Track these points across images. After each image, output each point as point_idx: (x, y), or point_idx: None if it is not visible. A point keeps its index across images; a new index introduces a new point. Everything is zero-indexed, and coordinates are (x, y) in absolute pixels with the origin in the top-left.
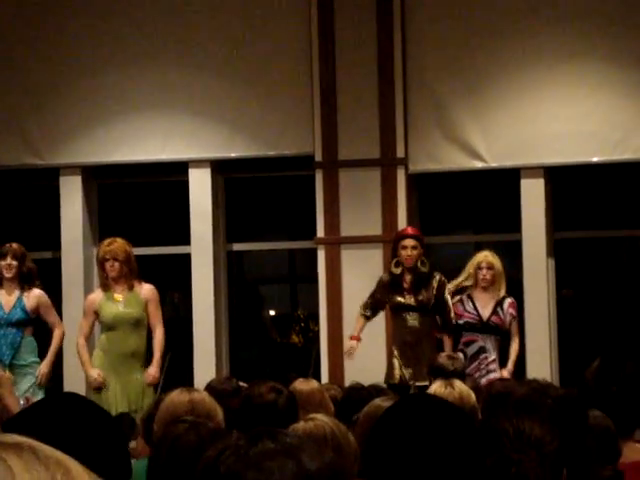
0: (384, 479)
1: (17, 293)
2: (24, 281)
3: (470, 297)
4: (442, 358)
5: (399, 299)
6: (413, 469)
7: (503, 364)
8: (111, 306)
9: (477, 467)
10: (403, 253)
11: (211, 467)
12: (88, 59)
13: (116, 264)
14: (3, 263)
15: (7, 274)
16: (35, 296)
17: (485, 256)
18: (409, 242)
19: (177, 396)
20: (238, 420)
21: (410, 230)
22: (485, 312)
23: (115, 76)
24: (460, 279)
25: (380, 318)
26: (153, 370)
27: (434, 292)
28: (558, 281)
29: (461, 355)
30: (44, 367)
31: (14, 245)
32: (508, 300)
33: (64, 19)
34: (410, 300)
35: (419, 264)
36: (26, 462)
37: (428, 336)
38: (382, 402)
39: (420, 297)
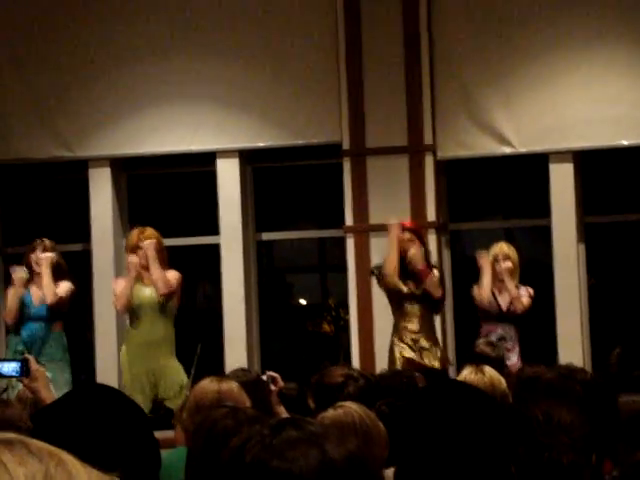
0: (416, 465)
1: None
2: (54, 275)
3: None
4: (483, 345)
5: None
6: (444, 457)
7: (524, 355)
8: (142, 289)
9: (510, 454)
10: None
11: (236, 456)
12: (115, 51)
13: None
14: (33, 257)
15: (37, 268)
16: (61, 290)
17: (501, 247)
18: (405, 235)
19: (206, 385)
20: None
21: (406, 223)
22: (504, 302)
23: (142, 68)
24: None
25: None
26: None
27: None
28: (588, 266)
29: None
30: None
31: (45, 240)
32: (522, 289)
33: (92, 12)
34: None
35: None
36: (19, 456)
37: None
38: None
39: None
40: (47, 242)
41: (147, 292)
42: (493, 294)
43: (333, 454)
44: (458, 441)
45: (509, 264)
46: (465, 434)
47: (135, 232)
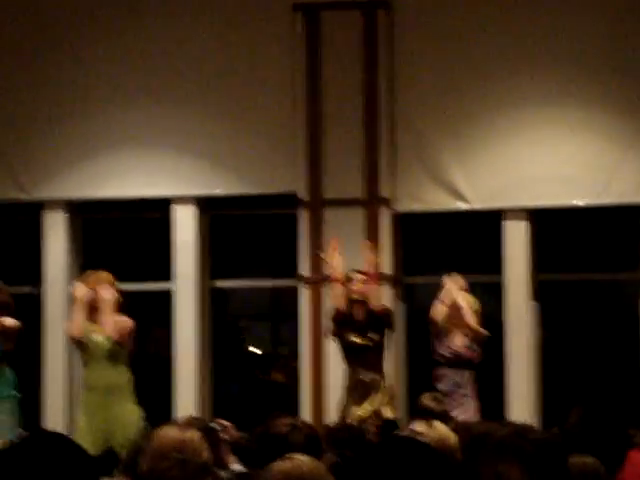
0: None
1: None
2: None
3: (442, 333)
4: (427, 399)
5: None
6: None
7: (478, 401)
8: (94, 335)
9: None
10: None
11: None
12: (73, 95)
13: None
14: None
15: None
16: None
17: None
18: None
19: (168, 432)
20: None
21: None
22: (458, 348)
23: (100, 112)
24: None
25: None
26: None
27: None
28: (541, 323)
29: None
30: None
31: None
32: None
33: (50, 55)
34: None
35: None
36: None
37: None
38: None
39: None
40: None
41: (100, 338)
42: (447, 341)
43: None
44: None
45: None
46: None
47: (91, 275)
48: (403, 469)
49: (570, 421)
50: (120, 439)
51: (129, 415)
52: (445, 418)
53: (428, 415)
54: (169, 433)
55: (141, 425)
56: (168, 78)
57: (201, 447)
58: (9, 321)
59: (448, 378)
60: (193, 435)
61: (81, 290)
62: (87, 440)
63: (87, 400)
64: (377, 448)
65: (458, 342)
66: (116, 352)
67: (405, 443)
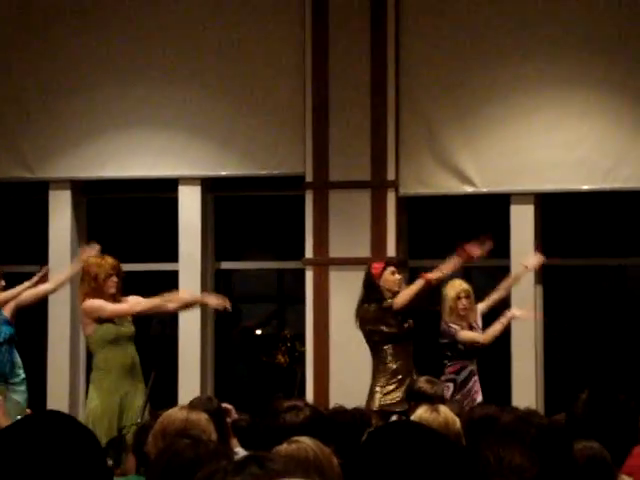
0: None
1: None
2: None
3: (452, 325)
4: (421, 382)
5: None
6: None
7: (483, 385)
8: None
9: None
10: (395, 278)
11: None
12: (80, 74)
13: (118, 281)
14: None
15: None
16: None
17: (461, 284)
18: (395, 268)
19: (175, 413)
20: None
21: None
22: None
23: (107, 92)
24: (448, 316)
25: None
26: (214, 300)
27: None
28: (545, 308)
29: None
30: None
31: None
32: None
33: (56, 35)
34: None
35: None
36: None
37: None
38: None
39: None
40: None
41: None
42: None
43: None
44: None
45: (470, 300)
46: (417, 474)
47: (100, 257)
48: (404, 455)
49: (576, 406)
50: (129, 421)
51: (138, 397)
52: (440, 401)
53: (423, 398)
54: (177, 415)
55: (146, 407)
56: (177, 58)
57: (209, 429)
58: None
59: (465, 369)
60: (200, 417)
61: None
62: (103, 422)
63: (104, 380)
64: (374, 434)
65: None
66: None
67: (409, 428)
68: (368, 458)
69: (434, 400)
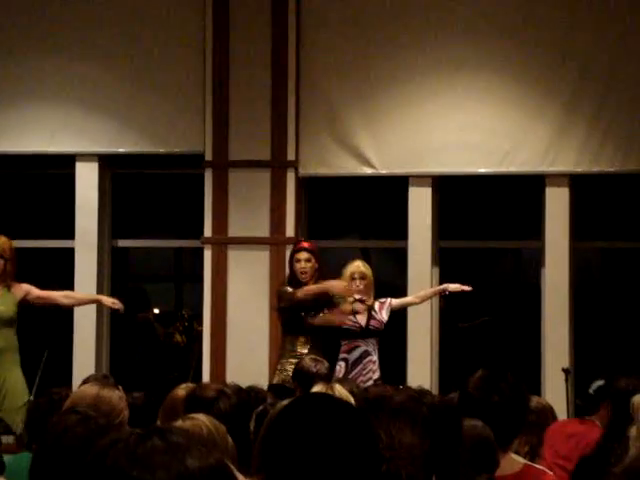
0: (281, 477)
1: None
2: None
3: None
4: (306, 361)
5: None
6: (311, 467)
7: (382, 363)
8: None
9: (371, 467)
10: (298, 266)
11: (98, 459)
12: None
13: (1, 262)
14: None
15: None
16: None
17: (357, 266)
18: (303, 255)
19: (86, 389)
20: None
21: (305, 243)
22: (362, 319)
23: (1, 65)
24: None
25: (265, 320)
26: (109, 300)
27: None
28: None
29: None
30: None
31: None
32: (377, 303)
33: None
34: None
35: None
36: None
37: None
38: None
39: None
40: None
41: None
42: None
43: (192, 465)
44: (324, 452)
45: (365, 282)
46: (331, 444)
47: None
48: (319, 425)
49: (468, 385)
50: (8, 405)
51: (17, 382)
52: (327, 379)
53: (306, 377)
54: (88, 391)
55: (26, 391)
56: (75, 33)
57: (120, 406)
58: None
59: (357, 348)
60: (112, 394)
61: None
62: None
63: None
64: (288, 407)
65: (361, 317)
66: (15, 319)
67: (319, 400)
68: (282, 431)
69: (315, 378)
